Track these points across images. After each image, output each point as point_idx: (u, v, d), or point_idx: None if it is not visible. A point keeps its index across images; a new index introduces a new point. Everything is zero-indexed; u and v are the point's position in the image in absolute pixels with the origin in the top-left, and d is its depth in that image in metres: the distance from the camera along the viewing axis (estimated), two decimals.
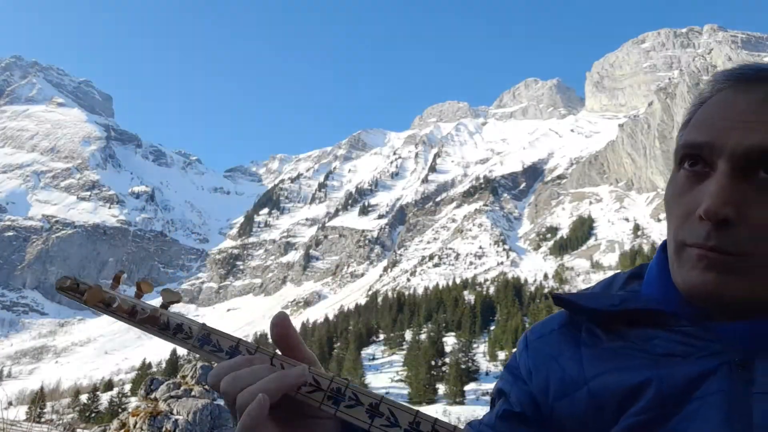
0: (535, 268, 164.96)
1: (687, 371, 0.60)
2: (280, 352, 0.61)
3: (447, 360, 54.69)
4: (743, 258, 0.59)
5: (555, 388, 0.69)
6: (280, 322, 0.62)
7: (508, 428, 0.72)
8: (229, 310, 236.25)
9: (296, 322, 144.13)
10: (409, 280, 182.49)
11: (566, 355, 0.70)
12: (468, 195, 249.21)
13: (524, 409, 0.71)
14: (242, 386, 0.55)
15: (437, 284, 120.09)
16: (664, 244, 0.69)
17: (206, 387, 9.38)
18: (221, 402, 8.53)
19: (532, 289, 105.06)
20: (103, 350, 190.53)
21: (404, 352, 64.38)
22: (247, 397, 0.55)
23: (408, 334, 74.73)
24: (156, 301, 0.63)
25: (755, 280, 0.59)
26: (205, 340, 0.60)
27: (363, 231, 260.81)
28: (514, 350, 0.79)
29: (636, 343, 0.65)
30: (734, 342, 0.60)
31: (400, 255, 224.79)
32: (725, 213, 0.58)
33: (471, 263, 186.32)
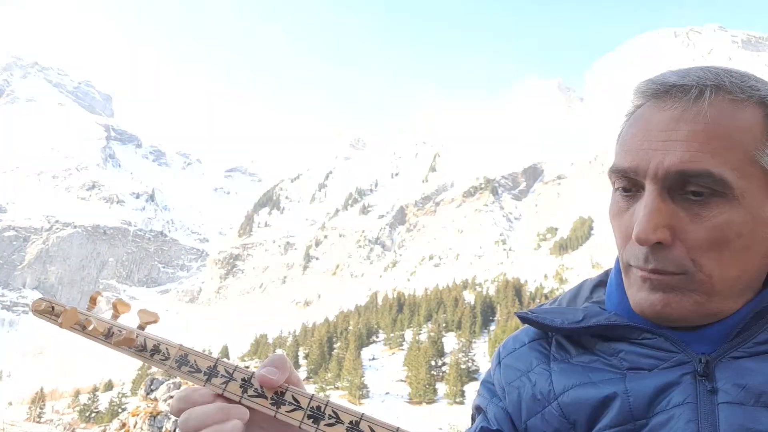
0: (535, 268, 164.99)
1: (652, 383, 0.62)
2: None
3: (447, 360, 54.70)
4: (685, 276, 0.60)
5: (527, 406, 0.70)
6: (278, 365, 0.57)
7: None
8: (228, 310, 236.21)
9: (296, 322, 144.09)
10: (409, 280, 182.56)
11: (536, 369, 0.71)
12: (468, 195, 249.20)
13: (501, 426, 0.72)
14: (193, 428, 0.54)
15: (437, 284, 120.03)
16: None
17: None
18: None
19: (532, 289, 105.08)
20: (103, 350, 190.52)
21: (404, 352, 64.35)
22: None
23: (408, 334, 74.69)
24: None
25: (701, 294, 0.61)
26: (182, 361, 0.59)
27: (363, 231, 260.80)
28: (489, 368, 0.80)
29: (603, 357, 0.67)
30: (695, 349, 0.63)
31: (400, 255, 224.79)
32: (657, 237, 0.59)
33: (471, 263, 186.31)
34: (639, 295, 0.63)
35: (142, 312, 0.61)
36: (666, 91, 0.62)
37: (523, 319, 0.75)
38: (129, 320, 0.61)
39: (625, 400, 0.62)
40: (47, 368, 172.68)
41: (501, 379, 0.75)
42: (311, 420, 0.55)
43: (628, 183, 0.64)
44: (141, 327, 0.60)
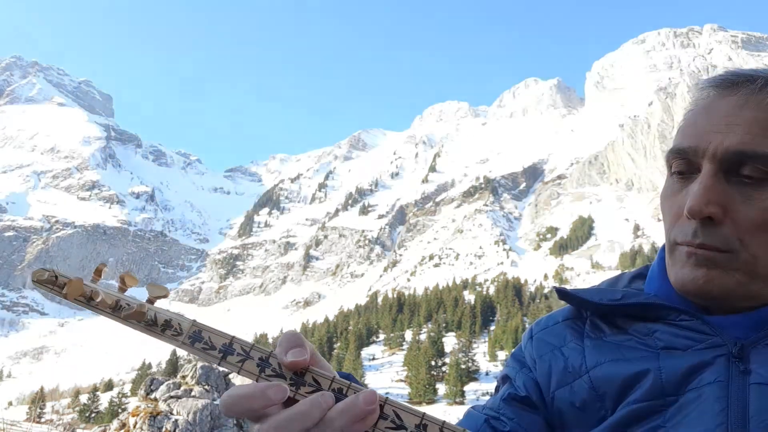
0: (535, 268, 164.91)
1: (685, 362, 0.63)
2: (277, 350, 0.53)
3: (447, 360, 54.71)
4: (730, 254, 0.62)
5: (557, 377, 0.72)
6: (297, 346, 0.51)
7: (512, 411, 0.73)
8: (228, 310, 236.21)
9: (296, 322, 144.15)
10: (409, 280, 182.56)
11: (569, 345, 0.73)
12: (468, 195, 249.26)
13: (529, 393, 0.74)
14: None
15: (437, 284, 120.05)
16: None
17: (206, 387, 9.38)
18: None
19: (532, 289, 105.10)
20: (103, 350, 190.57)
21: (404, 352, 64.37)
22: None
23: (408, 334, 74.75)
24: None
25: (743, 274, 0.62)
26: (196, 337, 0.54)
27: (363, 231, 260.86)
28: (519, 343, 0.82)
29: (637, 337, 0.69)
30: (730, 334, 0.64)
31: (400, 255, 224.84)
32: (709, 211, 0.62)
33: (471, 263, 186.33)
34: (682, 271, 0.65)
35: (151, 286, 0.57)
36: (733, 81, 0.65)
37: (562, 293, 0.76)
38: (138, 295, 0.57)
39: (657, 376, 0.63)
40: (47, 368, 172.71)
41: (533, 351, 0.77)
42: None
43: (685, 165, 0.66)
44: (150, 301, 0.57)
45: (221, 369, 9.68)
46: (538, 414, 0.73)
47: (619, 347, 0.69)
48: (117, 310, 0.55)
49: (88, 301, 0.55)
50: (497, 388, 0.80)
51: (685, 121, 0.69)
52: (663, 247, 0.72)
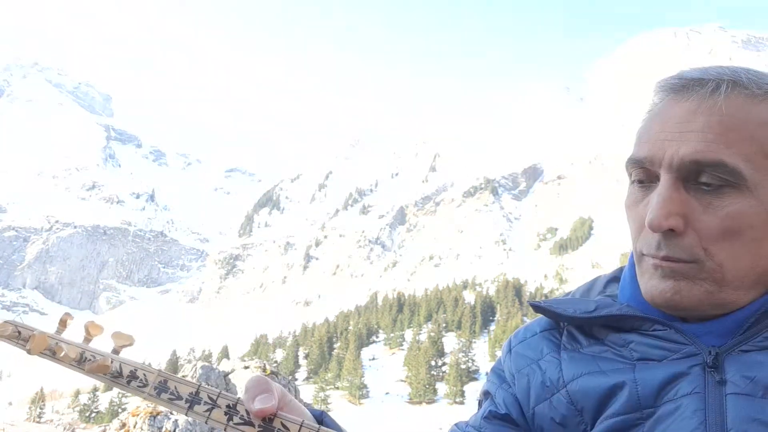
0: (535, 268, 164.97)
1: (661, 374, 0.63)
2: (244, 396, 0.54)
3: (447, 360, 54.73)
4: (695, 264, 0.61)
5: (536, 392, 0.71)
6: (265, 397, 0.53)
7: (493, 429, 0.73)
8: (228, 310, 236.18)
9: (296, 322, 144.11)
10: (409, 280, 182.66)
11: (547, 358, 0.73)
12: (468, 195, 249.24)
13: (509, 411, 0.73)
14: None
15: (437, 284, 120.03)
16: None
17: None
18: None
19: (532, 289, 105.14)
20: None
21: (404, 352, 64.37)
22: None
23: (408, 334, 74.71)
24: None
25: (711, 283, 0.62)
26: (162, 388, 0.54)
27: (363, 231, 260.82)
28: (500, 356, 0.81)
29: (614, 348, 0.68)
30: (705, 342, 0.63)
31: (400, 255, 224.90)
32: (669, 224, 0.61)
33: (471, 263, 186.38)
34: (650, 283, 0.64)
35: (116, 335, 0.56)
36: (684, 86, 0.64)
37: (536, 307, 0.76)
38: (103, 343, 0.56)
39: (633, 389, 0.63)
40: (47, 368, 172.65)
41: (511, 366, 0.76)
42: None
43: (644, 174, 0.65)
44: (116, 351, 0.56)
45: (222, 369, 9.66)
46: (519, 431, 0.72)
47: (596, 359, 0.68)
48: (82, 363, 0.54)
49: (52, 355, 0.54)
50: (480, 403, 0.80)
51: (642, 125, 0.69)
52: (632, 254, 0.71)
